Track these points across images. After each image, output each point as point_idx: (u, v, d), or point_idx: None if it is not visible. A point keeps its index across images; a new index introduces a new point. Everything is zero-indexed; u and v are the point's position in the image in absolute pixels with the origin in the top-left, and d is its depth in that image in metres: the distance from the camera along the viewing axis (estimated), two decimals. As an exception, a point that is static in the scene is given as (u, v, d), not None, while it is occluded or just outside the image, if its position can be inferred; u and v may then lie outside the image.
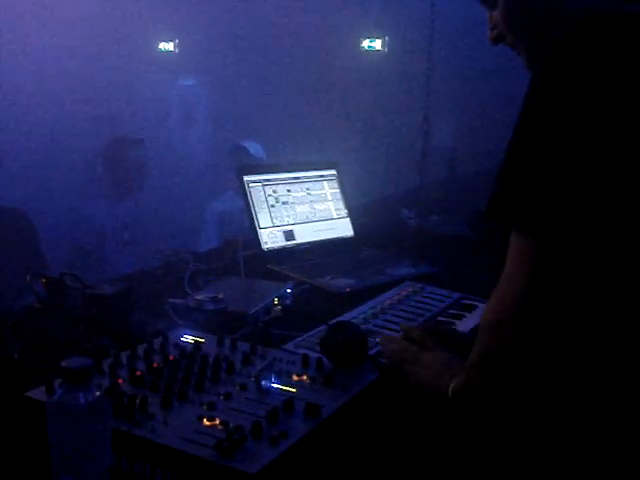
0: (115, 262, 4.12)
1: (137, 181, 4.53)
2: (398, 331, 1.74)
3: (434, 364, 1.43)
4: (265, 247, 2.31)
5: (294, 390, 1.33)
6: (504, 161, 1.15)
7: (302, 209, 2.46)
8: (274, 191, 2.41)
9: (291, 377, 1.40)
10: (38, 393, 1.27)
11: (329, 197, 2.57)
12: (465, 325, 1.81)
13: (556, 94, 1.11)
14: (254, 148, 4.76)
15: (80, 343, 1.57)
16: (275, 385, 1.35)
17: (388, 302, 1.95)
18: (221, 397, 1.29)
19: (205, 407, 1.24)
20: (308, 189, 2.52)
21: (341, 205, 2.59)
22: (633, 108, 1.07)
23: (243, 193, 2.33)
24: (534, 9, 1.31)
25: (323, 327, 1.57)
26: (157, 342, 1.51)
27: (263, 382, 1.34)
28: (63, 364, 1.00)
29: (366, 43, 6.87)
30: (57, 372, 1.04)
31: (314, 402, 1.27)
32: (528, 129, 1.14)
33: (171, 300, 1.86)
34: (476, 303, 1.97)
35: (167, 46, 7.39)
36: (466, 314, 1.89)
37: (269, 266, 2.25)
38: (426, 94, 5.89)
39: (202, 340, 1.55)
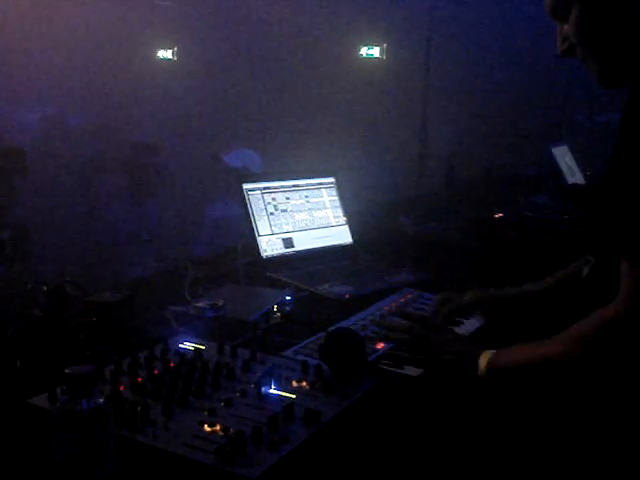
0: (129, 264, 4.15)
1: (151, 187, 4.55)
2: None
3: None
4: (264, 254, 2.32)
5: (293, 396, 1.35)
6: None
7: (301, 217, 2.48)
8: (273, 199, 2.42)
9: (291, 383, 1.41)
10: (41, 400, 1.28)
11: (328, 205, 2.59)
12: (464, 330, 1.82)
13: None
14: (237, 158, 4.75)
15: (81, 351, 1.58)
16: (275, 391, 1.37)
17: (387, 309, 1.96)
18: (221, 403, 1.30)
19: (206, 413, 1.26)
20: (307, 197, 2.53)
21: (340, 212, 2.61)
22: None
23: (242, 201, 2.35)
24: (610, 22, 1.32)
25: (322, 334, 1.58)
26: (158, 349, 1.52)
27: (263, 388, 1.36)
28: (67, 371, 1.02)
29: (364, 50, 6.90)
30: (59, 379, 1.06)
31: (313, 408, 1.28)
32: None
33: (171, 307, 1.87)
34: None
35: (166, 54, 7.42)
36: (464, 320, 1.91)
37: (268, 273, 2.26)
38: (423, 101, 5.92)
39: (202, 347, 1.57)
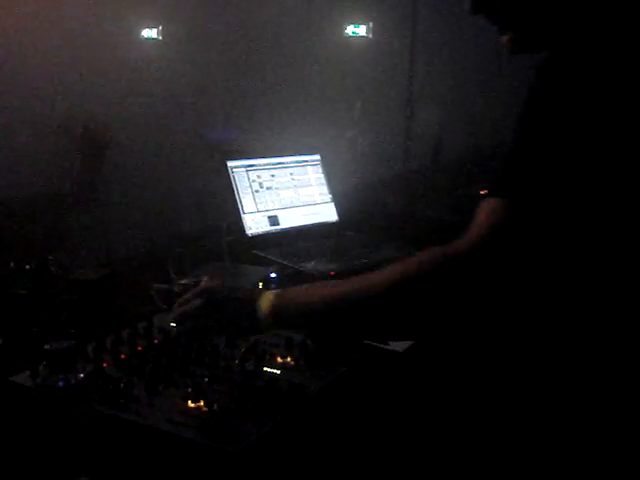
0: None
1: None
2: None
3: None
4: (249, 232, 2.31)
5: (278, 372, 1.35)
6: (512, 147, 1.16)
7: (286, 194, 2.47)
8: (258, 176, 2.41)
9: (275, 359, 1.41)
10: (23, 377, 1.28)
11: (313, 182, 2.57)
12: None
13: (561, 91, 1.11)
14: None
15: (64, 328, 1.57)
16: (259, 367, 1.36)
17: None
18: (205, 379, 1.30)
19: (190, 389, 1.25)
20: (292, 174, 2.52)
21: (325, 190, 2.60)
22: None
23: (227, 178, 2.33)
24: None
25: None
26: (141, 326, 1.52)
27: (247, 364, 1.35)
28: (46, 346, 1.01)
29: (350, 29, 6.85)
30: (41, 356, 1.04)
31: (297, 383, 1.28)
32: (535, 120, 1.15)
33: (155, 285, 1.86)
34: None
35: (151, 33, 7.33)
36: None
37: (253, 251, 2.25)
38: (410, 79, 5.90)
39: (186, 324, 1.56)
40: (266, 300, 1.27)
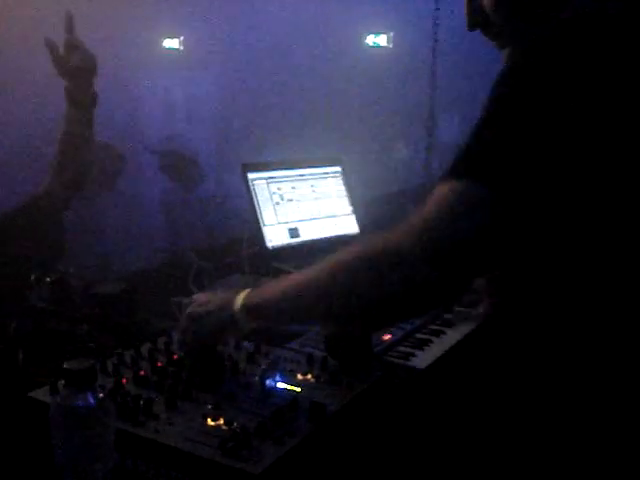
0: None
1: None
2: (403, 328, 1.74)
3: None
4: (270, 245, 2.30)
5: (299, 389, 1.33)
6: (478, 126, 1.12)
7: (307, 206, 2.45)
8: (278, 188, 2.40)
9: (296, 376, 1.39)
10: (42, 393, 1.27)
11: (334, 194, 2.56)
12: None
13: (534, 79, 1.07)
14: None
15: (84, 343, 1.56)
16: (280, 384, 1.34)
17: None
18: (225, 397, 1.28)
19: (209, 407, 1.24)
20: (313, 186, 2.51)
21: (346, 202, 2.58)
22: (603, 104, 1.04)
23: (247, 190, 2.32)
24: None
25: (328, 325, 1.56)
26: (161, 341, 1.50)
27: (267, 381, 1.34)
28: (66, 366, 1.00)
29: (371, 39, 6.85)
30: (60, 373, 1.04)
31: (319, 401, 1.26)
32: (507, 103, 1.11)
33: (175, 299, 1.85)
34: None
35: (172, 43, 7.37)
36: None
37: (274, 264, 2.24)
38: (431, 90, 5.88)
39: (206, 339, 1.54)
40: (239, 299, 1.34)
